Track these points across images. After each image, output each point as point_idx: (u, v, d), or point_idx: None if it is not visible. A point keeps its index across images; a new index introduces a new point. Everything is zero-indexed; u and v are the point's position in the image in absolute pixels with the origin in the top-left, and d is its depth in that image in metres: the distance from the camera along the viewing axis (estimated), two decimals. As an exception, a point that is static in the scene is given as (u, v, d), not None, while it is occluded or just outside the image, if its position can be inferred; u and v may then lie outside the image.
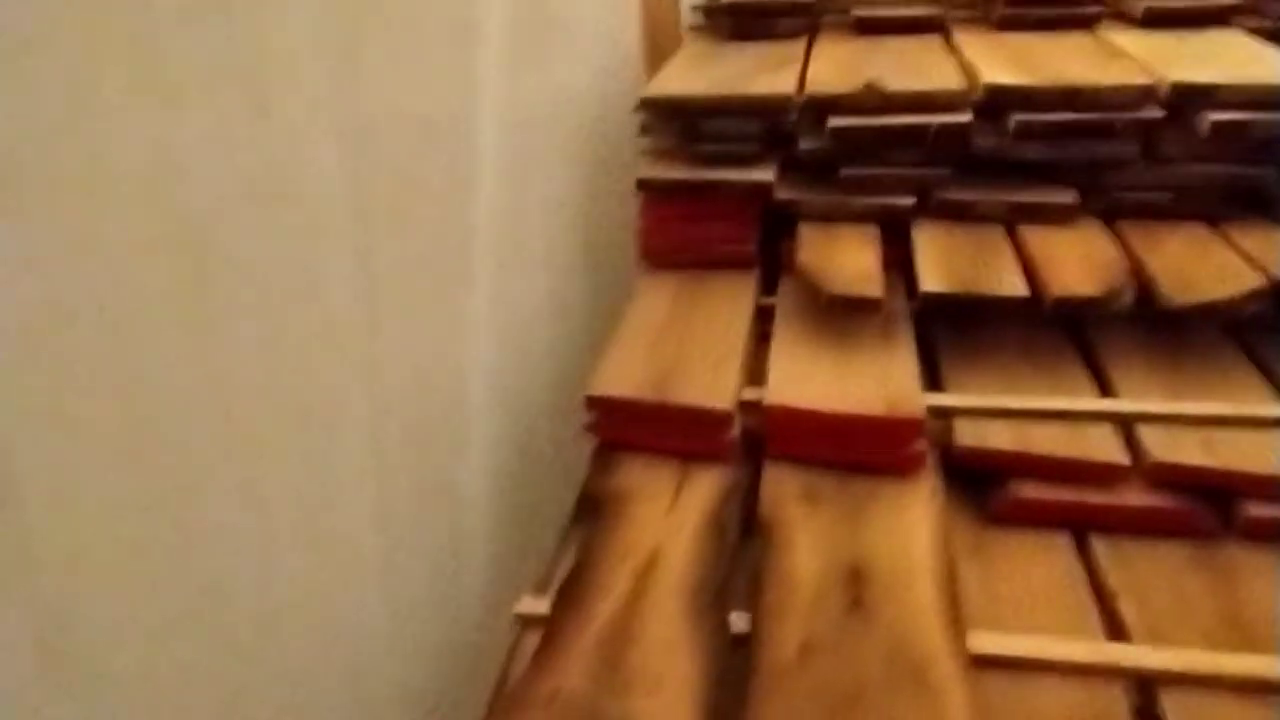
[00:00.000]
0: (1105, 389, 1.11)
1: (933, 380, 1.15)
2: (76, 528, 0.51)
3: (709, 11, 1.73)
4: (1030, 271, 1.16)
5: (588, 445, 1.11)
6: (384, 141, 0.81)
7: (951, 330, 1.22)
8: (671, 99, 1.34)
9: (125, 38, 0.51)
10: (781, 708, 0.78)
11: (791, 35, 1.64)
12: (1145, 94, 1.22)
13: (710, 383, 1.09)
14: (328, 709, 0.77)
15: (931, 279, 1.15)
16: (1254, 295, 1.09)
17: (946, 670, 0.80)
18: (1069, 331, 1.22)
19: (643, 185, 1.33)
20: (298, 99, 0.68)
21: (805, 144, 1.32)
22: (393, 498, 0.85)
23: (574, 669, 0.82)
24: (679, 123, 1.34)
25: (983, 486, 1.04)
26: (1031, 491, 1.00)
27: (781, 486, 1.02)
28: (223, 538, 0.63)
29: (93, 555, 0.52)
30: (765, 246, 1.35)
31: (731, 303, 1.26)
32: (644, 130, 1.35)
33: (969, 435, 1.04)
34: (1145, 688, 0.82)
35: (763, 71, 1.44)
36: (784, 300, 1.25)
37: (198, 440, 0.60)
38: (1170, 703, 0.80)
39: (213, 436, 0.61)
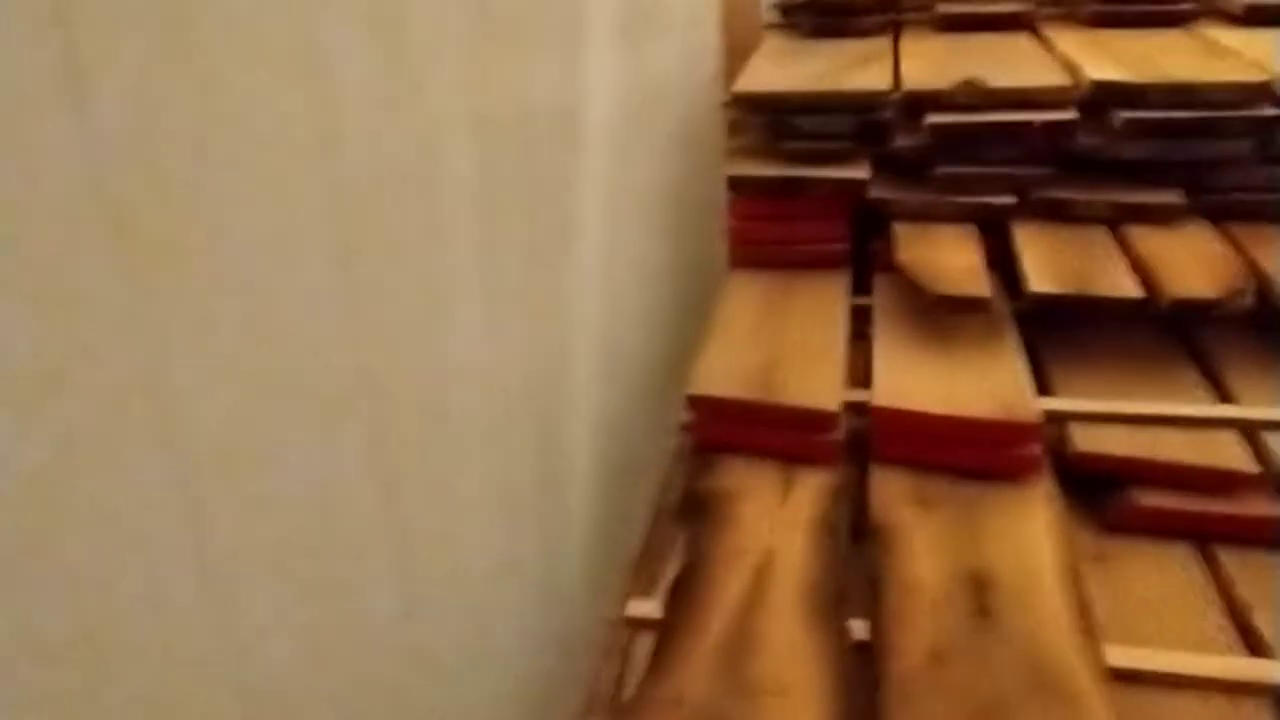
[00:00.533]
0: (1223, 394, 1.08)
1: (1039, 383, 1.12)
2: (237, 515, 0.50)
3: (788, 9, 1.71)
4: (1142, 272, 1.13)
5: (669, 443, 1.09)
6: (508, 132, 0.79)
7: (1052, 332, 1.19)
8: (763, 95, 1.32)
9: (286, 25, 0.50)
10: (916, 716, 0.76)
11: (873, 32, 1.62)
12: (1259, 91, 1.19)
13: (814, 383, 1.07)
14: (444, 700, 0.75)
15: (1040, 279, 1.12)
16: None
17: (1085, 683, 0.77)
18: (1176, 334, 1.19)
19: (734, 183, 1.31)
20: (439, 87, 0.67)
21: (901, 141, 1.29)
22: (513, 491, 0.84)
23: (696, 673, 0.80)
24: (769, 119, 1.32)
25: (1097, 493, 1.01)
26: (1153, 499, 0.97)
27: (891, 489, 1.00)
28: (361, 531, 0.61)
29: (253, 548, 0.51)
30: (854, 246, 1.33)
31: (826, 303, 1.23)
32: (733, 129, 1.33)
33: (1086, 440, 1.01)
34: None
35: (851, 68, 1.41)
36: (881, 300, 1.23)
37: (345, 424, 0.59)
38: (1319, 720, 0.77)
39: (360, 421, 0.60)
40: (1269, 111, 1.19)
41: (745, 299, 1.26)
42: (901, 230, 1.27)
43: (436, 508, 0.73)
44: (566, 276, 0.97)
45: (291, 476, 0.54)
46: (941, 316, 1.15)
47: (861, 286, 1.29)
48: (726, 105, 1.33)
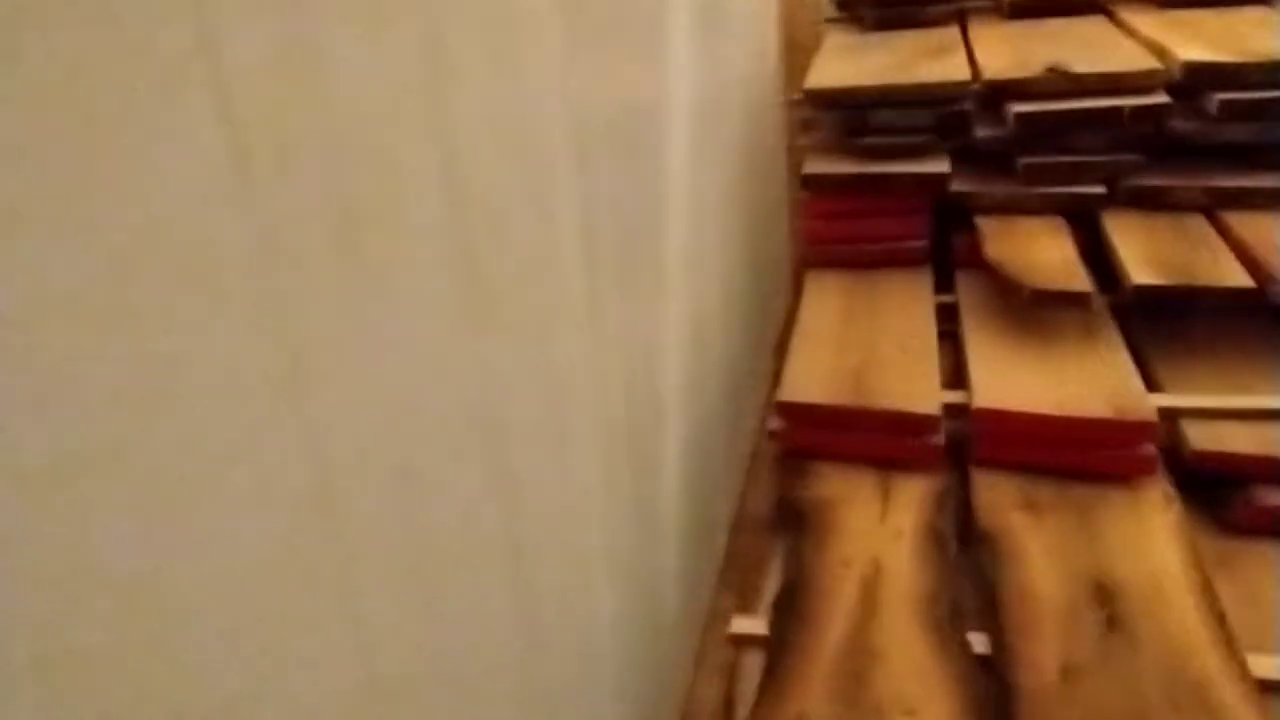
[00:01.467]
0: (1339, 386, 1.03)
1: (1145, 380, 1.07)
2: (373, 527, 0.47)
3: (847, 2, 1.67)
4: (1245, 260, 1.08)
5: (744, 449, 1.06)
6: (600, 126, 0.77)
7: (1153, 327, 1.15)
8: (837, 90, 1.28)
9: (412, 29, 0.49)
10: (1057, 735, 0.72)
11: (940, 22, 1.57)
12: (1363, 67, 1.14)
13: (909, 385, 1.03)
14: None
15: (1141, 271, 1.07)
16: None
17: (1230, 695, 0.73)
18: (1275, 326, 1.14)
19: (809, 181, 1.27)
20: (541, 72, 0.64)
21: (982, 132, 1.25)
22: (615, 504, 0.81)
23: (816, 692, 0.77)
24: (843, 114, 1.28)
25: (1215, 494, 0.96)
26: (1277, 498, 0.92)
27: (997, 494, 0.96)
28: (481, 546, 0.59)
29: (387, 560, 0.49)
30: (934, 243, 1.29)
31: (912, 302, 1.20)
32: (804, 126, 1.30)
33: (1203, 438, 0.96)
34: None
35: (923, 59, 1.37)
36: (967, 297, 1.19)
37: (470, 442, 0.56)
38: None
39: (482, 440, 0.57)
40: (1377, 88, 1.14)
41: (825, 300, 1.22)
42: (986, 225, 1.22)
43: (552, 529, 0.70)
44: (657, 288, 0.94)
45: (423, 494, 0.51)
46: (1036, 313, 1.11)
47: (943, 284, 1.25)
48: (797, 101, 1.29)
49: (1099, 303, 1.10)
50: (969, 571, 0.89)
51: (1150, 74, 1.19)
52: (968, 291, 1.20)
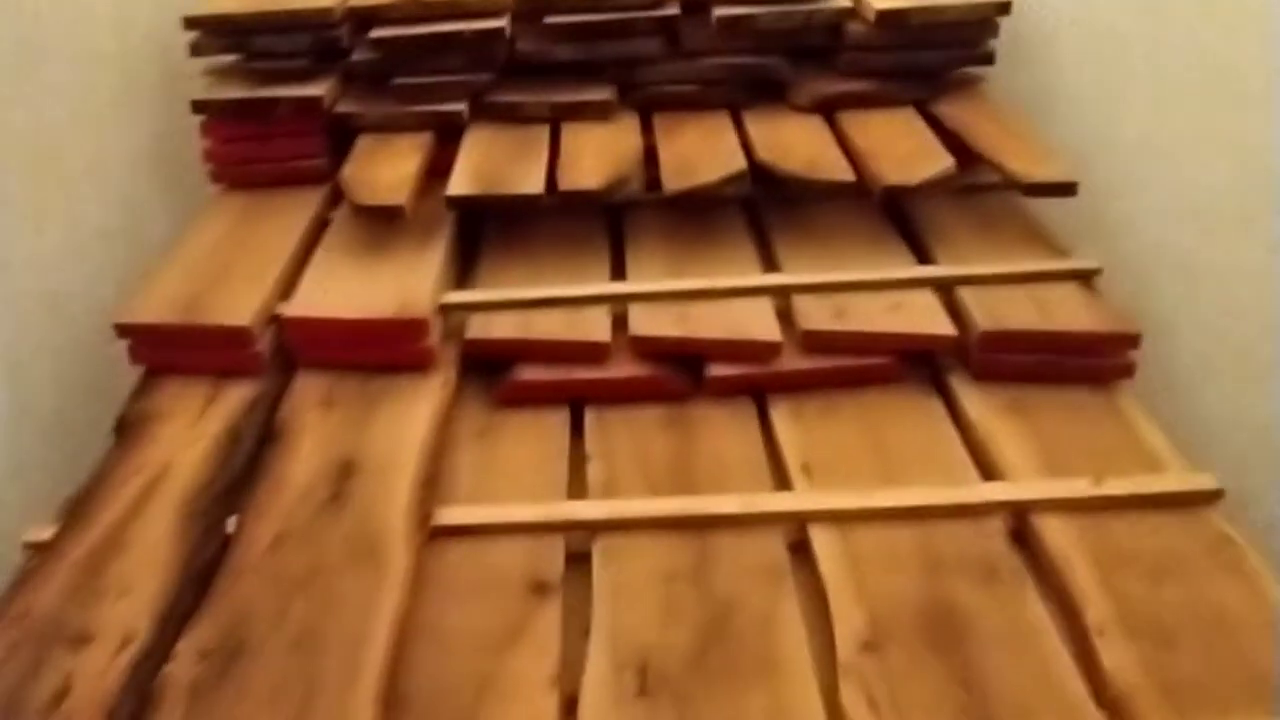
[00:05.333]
0: (619, 272, 1.22)
1: (475, 279, 1.23)
2: None
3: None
4: (553, 168, 1.25)
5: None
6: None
7: (497, 229, 1.31)
8: (217, 16, 1.33)
9: None
10: (239, 595, 0.86)
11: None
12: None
13: (241, 300, 1.13)
14: None
15: (459, 183, 1.22)
16: (734, 179, 1.22)
17: (398, 545, 0.89)
18: (608, 220, 1.33)
19: (200, 107, 1.33)
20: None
21: (357, 55, 1.35)
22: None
23: (52, 586, 0.87)
24: (230, 41, 1.34)
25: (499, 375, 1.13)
26: (530, 374, 1.10)
27: (305, 394, 1.09)
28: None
29: None
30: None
31: (289, 219, 1.29)
32: (194, 50, 1.34)
33: (477, 328, 1.13)
34: (583, 536, 0.94)
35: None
36: (340, 213, 1.30)
37: None
38: (602, 545, 0.92)
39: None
40: (671, 10, 1.32)
41: (214, 221, 1.30)
42: (363, 143, 1.33)
43: None
44: None
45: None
46: (383, 225, 1.23)
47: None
48: (187, 28, 1.33)
49: (439, 212, 1.24)
50: (255, 466, 1.01)
51: (492, 1, 1.33)
52: (342, 209, 1.31)
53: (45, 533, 0.95)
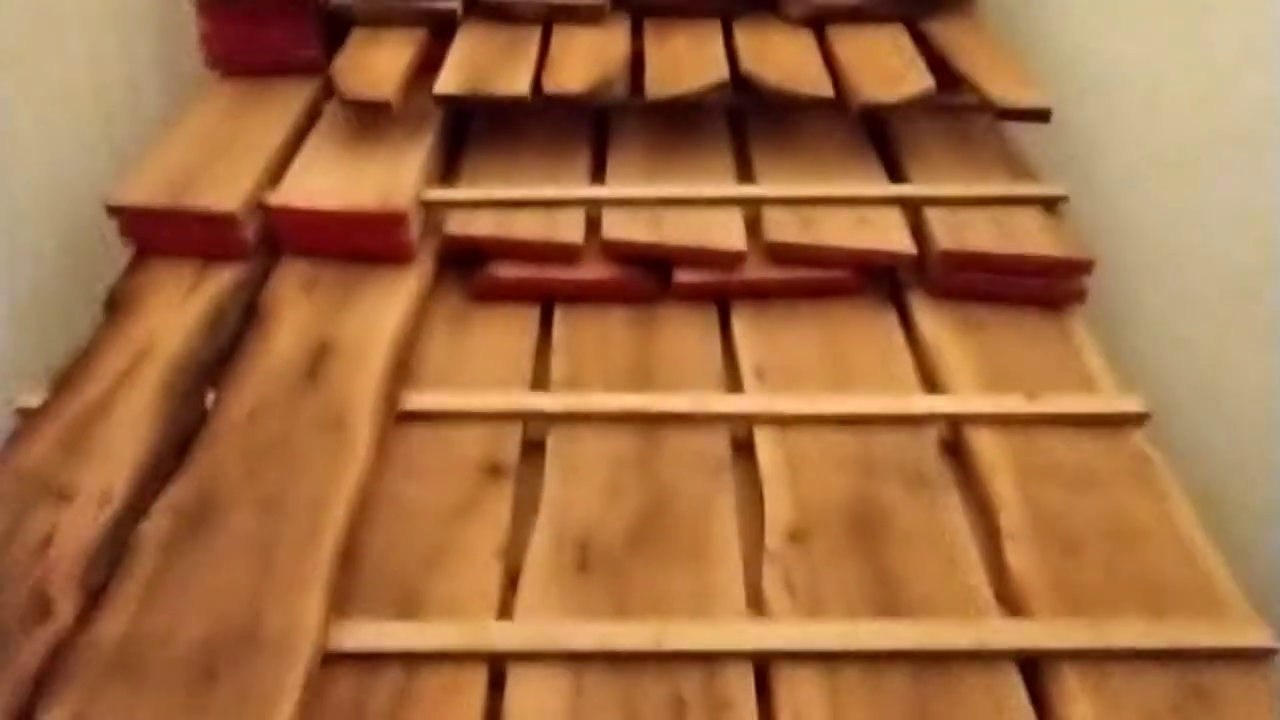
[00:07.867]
0: (599, 175, 1.25)
1: (456, 174, 1.26)
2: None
3: None
4: (541, 69, 1.26)
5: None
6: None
7: (485, 124, 1.33)
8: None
9: None
10: (213, 460, 0.92)
11: None
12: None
13: (229, 186, 1.17)
14: None
15: (446, 81, 1.24)
16: (717, 87, 1.23)
17: (364, 420, 0.95)
18: (594, 121, 1.35)
19: (193, -8, 1.35)
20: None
21: (353, -53, 1.36)
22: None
23: (41, 446, 0.93)
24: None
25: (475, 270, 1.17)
26: (505, 271, 1.14)
27: (288, 278, 1.13)
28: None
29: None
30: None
31: (282, 108, 1.32)
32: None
33: (456, 224, 1.17)
34: (541, 426, 0.99)
35: None
36: (332, 104, 1.32)
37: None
38: (554, 434, 0.98)
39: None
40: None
41: (210, 106, 1.33)
42: (358, 35, 1.35)
43: None
44: None
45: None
46: (373, 116, 1.26)
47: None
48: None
49: (427, 108, 1.26)
50: (236, 344, 1.07)
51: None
52: (334, 99, 1.33)
53: (35, 399, 1.01)
